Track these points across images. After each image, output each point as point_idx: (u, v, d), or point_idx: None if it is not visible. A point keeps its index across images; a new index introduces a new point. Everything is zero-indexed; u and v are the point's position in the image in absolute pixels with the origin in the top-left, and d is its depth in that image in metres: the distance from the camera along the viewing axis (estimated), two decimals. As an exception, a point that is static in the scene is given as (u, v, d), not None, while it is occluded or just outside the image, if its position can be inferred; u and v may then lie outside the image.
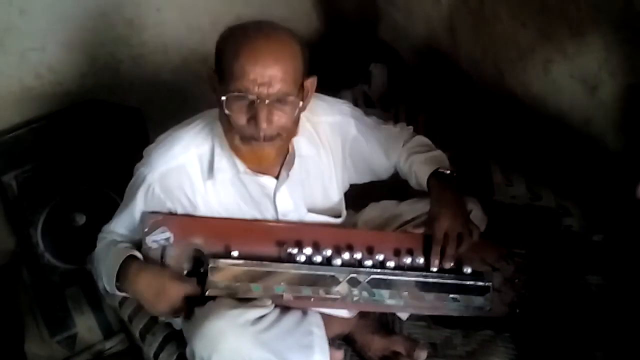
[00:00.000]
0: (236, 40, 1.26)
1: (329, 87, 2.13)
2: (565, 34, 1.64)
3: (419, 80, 2.19)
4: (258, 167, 1.38)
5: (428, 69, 2.16)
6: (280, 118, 1.28)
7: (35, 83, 1.96)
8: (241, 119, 1.28)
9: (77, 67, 2.01)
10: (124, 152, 1.89)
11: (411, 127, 1.64)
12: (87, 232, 1.83)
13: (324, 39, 2.42)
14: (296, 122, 1.35)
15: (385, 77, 2.21)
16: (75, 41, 1.97)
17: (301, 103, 1.31)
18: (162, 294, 1.31)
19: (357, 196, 1.63)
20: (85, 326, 1.99)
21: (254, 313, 1.29)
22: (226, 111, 1.28)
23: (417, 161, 1.52)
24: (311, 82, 1.35)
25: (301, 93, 1.31)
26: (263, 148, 1.31)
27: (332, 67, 2.26)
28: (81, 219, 2.01)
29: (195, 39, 2.20)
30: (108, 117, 2.03)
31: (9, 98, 1.93)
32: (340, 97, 2.13)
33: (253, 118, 1.26)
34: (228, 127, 1.32)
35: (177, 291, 1.31)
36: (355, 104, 2.17)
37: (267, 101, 1.25)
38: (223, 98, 1.27)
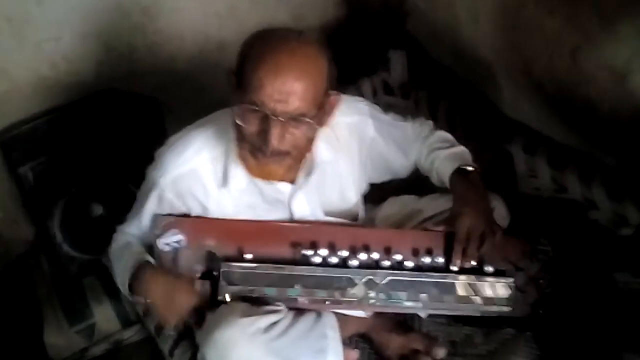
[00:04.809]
0: (259, 49, 1.19)
1: (348, 76, 2.11)
2: (594, 21, 1.58)
3: (439, 68, 2.13)
4: (269, 178, 1.34)
5: (449, 57, 2.11)
6: (293, 137, 1.22)
7: (51, 73, 1.95)
8: (251, 130, 1.22)
9: (92, 57, 1.99)
10: (141, 141, 1.88)
11: (431, 121, 1.59)
12: (105, 223, 1.84)
13: (343, 26, 2.37)
14: (311, 141, 1.28)
15: (405, 64, 2.16)
16: (90, 31, 1.95)
17: (318, 126, 1.25)
18: (171, 305, 1.28)
19: (376, 189, 1.59)
20: (104, 316, 1.99)
21: (265, 320, 1.27)
22: (237, 121, 1.22)
23: (439, 158, 1.48)
24: (334, 99, 1.28)
25: (321, 113, 1.25)
26: (269, 164, 1.26)
27: (351, 54, 2.21)
28: (98, 210, 2.00)
29: (211, 26, 2.17)
30: (124, 107, 2.01)
31: (24, 89, 1.92)
32: (359, 86, 2.13)
33: (264, 132, 1.20)
34: (238, 135, 1.27)
35: (186, 303, 1.29)
36: (375, 92, 2.14)
37: (281, 119, 1.18)
38: (236, 107, 1.21)
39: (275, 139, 1.19)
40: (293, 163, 1.31)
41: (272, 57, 1.17)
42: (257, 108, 1.19)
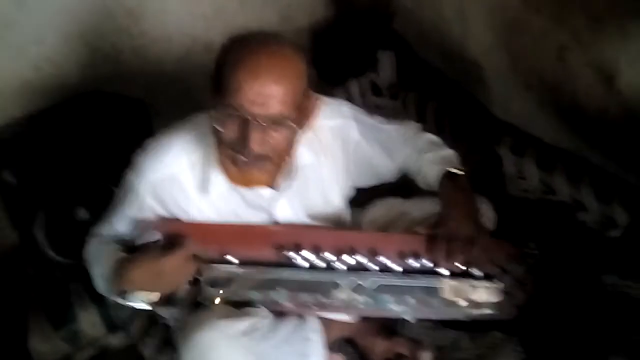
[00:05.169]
0: (237, 52, 1.17)
1: (336, 77, 2.10)
2: (582, 20, 1.57)
3: (428, 68, 2.12)
4: (249, 184, 1.32)
5: (437, 57, 2.09)
6: (274, 141, 1.20)
7: (35, 76, 1.93)
8: (230, 134, 1.19)
9: (77, 59, 1.97)
10: (128, 144, 1.85)
11: (418, 124, 1.57)
12: (89, 227, 1.81)
13: (331, 27, 2.36)
14: (292, 144, 1.27)
15: (394, 65, 2.15)
16: (74, 33, 1.93)
17: (298, 127, 1.23)
18: (162, 271, 1.23)
19: (362, 192, 1.57)
20: (89, 321, 1.96)
21: (247, 323, 1.25)
22: (216, 126, 1.20)
23: (427, 161, 1.46)
24: (314, 103, 1.27)
25: (301, 115, 1.23)
26: (250, 171, 1.24)
27: (339, 55, 2.20)
28: (83, 214, 1.97)
29: (198, 28, 2.15)
30: (110, 109, 1.99)
31: (8, 92, 1.90)
32: (347, 87, 2.11)
33: (244, 137, 1.18)
34: (217, 140, 1.24)
35: (175, 261, 1.24)
36: (363, 93, 2.13)
37: (261, 122, 1.16)
38: (214, 112, 1.19)
39: (255, 144, 1.17)
40: (274, 168, 1.29)
41: (251, 60, 1.15)
42: (236, 112, 1.16)
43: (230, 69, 1.16)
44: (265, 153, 1.20)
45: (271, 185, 1.35)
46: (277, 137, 1.20)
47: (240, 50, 1.18)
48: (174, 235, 1.30)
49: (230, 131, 1.19)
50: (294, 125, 1.21)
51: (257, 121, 1.16)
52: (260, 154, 1.20)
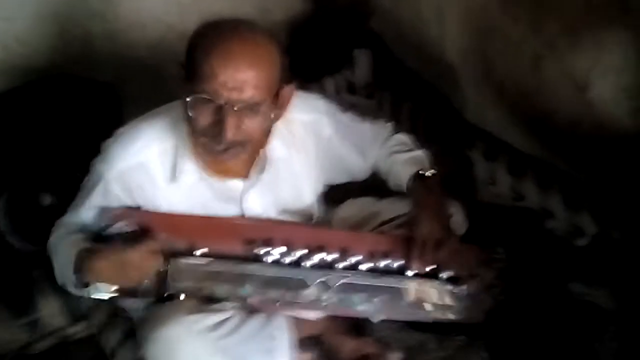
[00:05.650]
0: (209, 38, 1.16)
1: (312, 73, 2.08)
2: (557, 30, 1.58)
3: (404, 69, 2.12)
4: (226, 172, 1.31)
5: (414, 58, 2.10)
6: (248, 127, 1.19)
7: (3, 55, 1.87)
8: (204, 121, 1.18)
9: (47, 41, 1.92)
10: (96, 130, 1.81)
11: (391, 123, 1.56)
12: (54, 214, 1.76)
13: (308, 23, 2.34)
14: (266, 133, 1.26)
15: (370, 64, 2.14)
16: (45, 13, 1.88)
17: (273, 115, 1.22)
18: (126, 264, 1.20)
19: (334, 191, 1.56)
20: (50, 311, 1.91)
21: (213, 318, 1.23)
22: (189, 113, 1.18)
23: (397, 161, 1.46)
24: (289, 91, 1.26)
25: (276, 103, 1.22)
26: (225, 161, 1.24)
27: (316, 52, 2.19)
28: (47, 200, 1.93)
29: (173, 15, 2.11)
30: (79, 93, 1.94)
31: (-28, 70, 1.84)
32: (323, 84, 2.10)
33: (218, 123, 1.16)
34: (191, 129, 1.22)
35: (140, 254, 1.21)
36: (338, 91, 2.12)
37: (235, 108, 1.15)
38: (188, 99, 1.17)
39: (230, 129, 1.16)
40: (248, 157, 1.28)
41: (224, 45, 1.15)
42: (210, 97, 1.15)
43: (204, 55, 1.15)
44: (239, 139, 1.19)
45: (244, 175, 1.34)
46: (251, 124, 1.19)
47: (213, 36, 1.17)
48: (141, 227, 1.28)
49: (204, 118, 1.18)
50: (269, 112, 1.20)
51: (232, 107, 1.15)
52: (234, 141, 1.19)
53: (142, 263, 1.22)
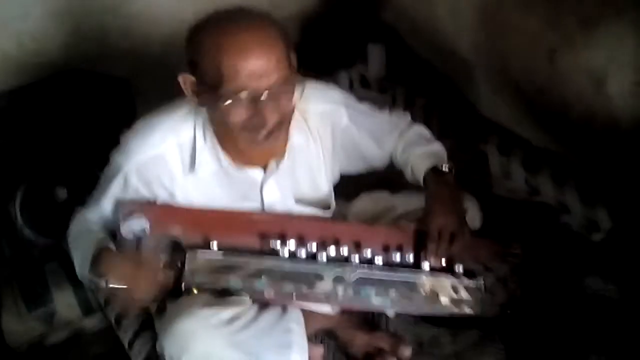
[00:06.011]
0: (215, 38, 1.15)
1: (325, 67, 2.08)
2: (573, 23, 1.57)
3: (418, 63, 2.11)
4: (249, 161, 1.32)
5: (428, 53, 2.09)
6: (285, 103, 1.20)
7: (17, 52, 1.89)
8: (240, 118, 1.18)
9: (62, 37, 1.93)
10: (110, 124, 1.82)
11: (408, 114, 1.56)
12: (69, 207, 1.77)
13: (321, 17, 2.33)
14: (293, 106, 1.26)
15: (384, 58, 2.14)
16: (60, 10, 1.89)
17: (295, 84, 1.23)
18: (133, 290, 1.22)
19: (348, 185, 1.56)
20: (64, 302, 1.94)
21: (229, 312, 1.23)
22: (223, 116, 1.19)
23: (415, 155, 1.46)
24: (294, 57, 1.26)
25: (293, 71, 1.23)
26: (271, 144, 1.24)
27: (329, 46, 2.18)
28: (63, 194, 1.94)
29: (187, 10, 2.07)
30: (94, 88, 1.95)
31: (-12, 67, 1.86)
32: (336, 78, 2.10)
33: (256, 114, 1.17)
34: (226, 131, 1.24)
35: (149, 289, 1.24)
36: (351, 85, 2.12)
37: (268, 93, 1.16)
38: (219, 104, 1.17)
39: (270, 116, 1.18)
40: (285, 135, 1.30)
41: (233, 40, 1.14)
42: (242, 94, 1.15)
43: (217, 58, 1.14)
44: (278, 121, 1.20)
45: (263, 164, 1.35)
46: (285, 101, 1.20)
47: (216, 36, 1.16)
48: (157, 226, 1.30)
49: (239, 115, 1.18)
50: (294, 82, 1.22)
51: (263, 93, 1.15)
52: (275, 123, 1.20)
53: (153, 278, 1.25)
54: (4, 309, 1.90)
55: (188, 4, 2.09)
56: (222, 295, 1.28)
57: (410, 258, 1.38)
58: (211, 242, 1.31)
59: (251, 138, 1.22)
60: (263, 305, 1.31)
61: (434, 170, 1.42)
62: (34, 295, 1.92)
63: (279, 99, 1.18)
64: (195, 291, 1.29)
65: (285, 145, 1.35)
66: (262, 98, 1.16)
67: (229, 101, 1.16)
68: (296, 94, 1.26)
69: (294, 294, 1.32)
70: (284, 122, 1.24)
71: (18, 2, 1.82)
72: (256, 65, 1.14)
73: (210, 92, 1.18)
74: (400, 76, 2.12)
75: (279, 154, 1.35)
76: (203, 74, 1.18)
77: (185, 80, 1.23)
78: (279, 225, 1.36)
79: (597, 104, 1.58)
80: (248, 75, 1.14)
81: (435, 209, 1.36)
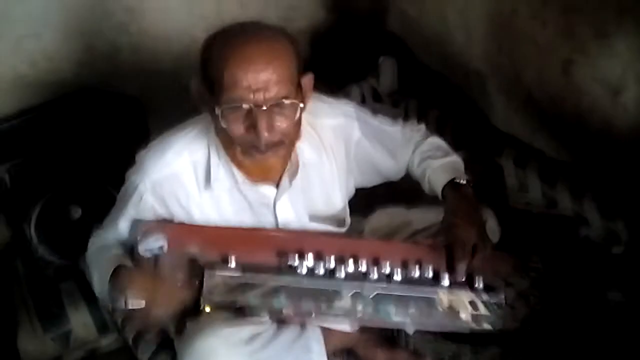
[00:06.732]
0: (222, 47, 1.17)
1: (336, 82, 2.08)
2: (588, 34, 1.56)
3: (430, 75, 2.11)
4: (261, 177, 1.31)
5: (439, 65, 2.08)
6: (282, 123, 1.20)
7: (30, 71, 1.91)
8: (239, 129, 1.19)
9: (74, 56, 1.95)
10: (123, 143, 1.83)
11: (423, 126, 1.55)
12: (83, 226, 1.77)
13: (332, 31, 2.34)
14: (298, 125, 1.26)
15: (395, 71, 2.13)
16: (72, 29, 1.91)
17: (301, 104, 1.22)
18: (152, 310, 1.22)
19: (364, 200, 1.55)
20: (80, 322, 1.93)
21: (248, 330, 1.23)
22: (222, 124, 1.19)
23: (432, 167, 1.45)
24: (308, 80, 1.26)
25: (300, 93, 1.23)
26: (267, 159, 1.24)
27: (340, 60, 2.18)
28: (77, 213, 1.94)
29: (198, 28, 2.12)
30: (106, 107, 1.97)
31: (2, 86, 1.88)
32: (347, 92, 2.09)
33: (252, 127, 1.18)
34: (227, 140, 1.24)
35: (168, 308, 1.24)
36: (363, 99, 2.11)
37: (264, 107, 1.16)
38: (217, 112, 1.18)
39: (265, 130, 1.17)
40: (287, 153, 1.29)
41: (238, 50, 1.15)
42: (238, 105, 1.16)
43: (220, 66, 1.16)
44: (277, 139, 1.20)
45: (276, 182, 1.34)
46: (283, 119, 1.20)
47: (224, 45, 1.18)
48: (174, 245, 1.29)
49: (237, 126, 1.19)
50: (297, 103, 1.20)
51: (261, 107, 1.16)
52: (272, 141, 1.20)
53: (172, 296, 1.24)
54: (20, 329, 1.90)
55: (199, 21, 2.11)
56: (241, 313, 1.27)
57: (430, 273, 1.36)
58: (229, 261, 1.30)
59: (247, 151, 1.23)
60: (282, 323, 1.30)
61: (452, 183, 1.40)
62: (50, 315, 1.92)
63: (276, 115, 1.18)
64: (210, 309, 1.28)
65: (288, 161, 1.33)
66: (256, 112, 1.16)
67: (227, 110, 1.17)
68: (306, 112, 1.26)
69: (313, 311, 1.31)
70: (284, 141, 1.23)
71: (31, 22, 1.84)
72: (255, 78, 1.14)
73: (212, 100, 1.19)
74: (412, 89, 2.11)
75: (291, 170, 1.34)
76: (208, 81, 1.20)
77: (197, 91, 1.24)
78: (297, 241, 1.35)
79: (613, 114, 1.57)
80: (246, 87, 1.15)
81: (456, 222, 1.34)
